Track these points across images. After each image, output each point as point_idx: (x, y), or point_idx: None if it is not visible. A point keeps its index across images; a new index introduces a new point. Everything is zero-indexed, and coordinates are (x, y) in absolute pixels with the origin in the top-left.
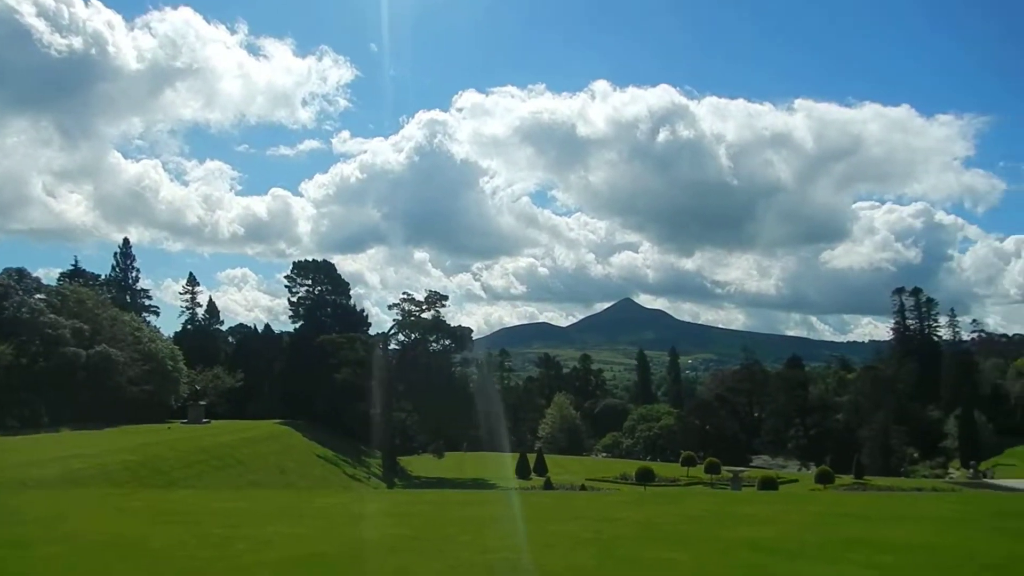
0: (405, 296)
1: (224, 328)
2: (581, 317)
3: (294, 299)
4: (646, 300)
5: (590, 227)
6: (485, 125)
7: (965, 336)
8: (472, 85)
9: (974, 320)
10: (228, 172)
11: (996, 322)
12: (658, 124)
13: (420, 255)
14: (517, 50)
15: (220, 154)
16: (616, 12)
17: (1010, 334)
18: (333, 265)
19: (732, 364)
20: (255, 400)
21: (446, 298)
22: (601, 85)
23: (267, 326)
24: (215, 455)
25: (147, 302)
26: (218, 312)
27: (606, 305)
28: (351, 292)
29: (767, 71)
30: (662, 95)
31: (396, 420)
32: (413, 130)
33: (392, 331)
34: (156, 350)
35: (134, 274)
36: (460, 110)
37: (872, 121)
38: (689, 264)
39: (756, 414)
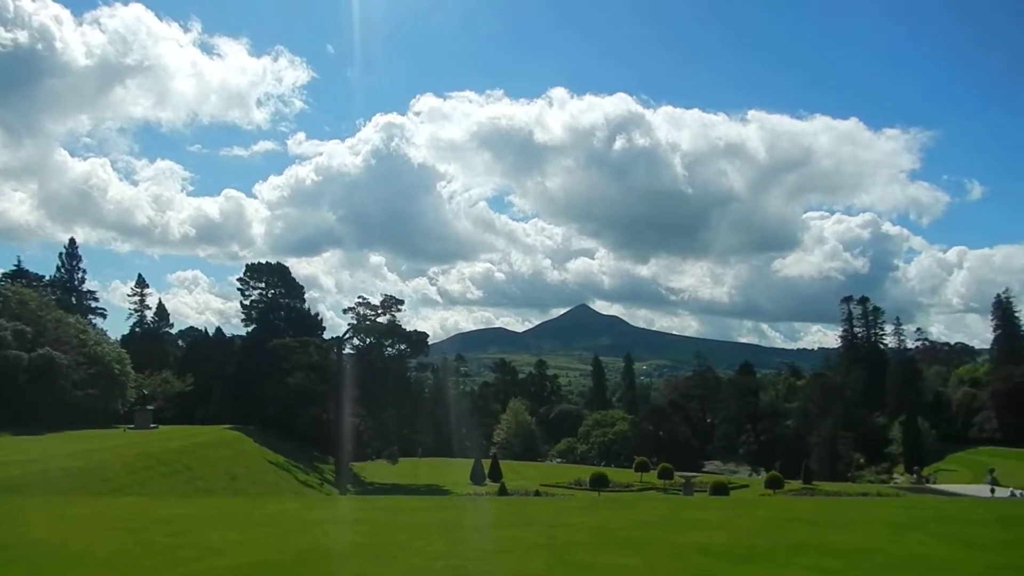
0: (360, 300)
1: (174, 331)
2: (537, 322)
3: (247, 302)
4: (602, 306)
5: (547, 233)
6: (443, 130)
7: (910, 344)
8: (430, 89)
9: (918, 329)
10: (179, 172)
11: (939, 331)
12: (614, 132)
13: (376, 259)
14: (475, 55)
15: (171, 154)
16: (574, 20)
17: (952, 342)
18: (287, 268)
19: (686, 370)
20: (205, 405)
21: (402, 302)
22: (559, 92)
23: (219, 329)
24: (163, 461)
25: (93, 304)
26: (168, 315)
27: (562, 311)
28: (305, 295)
29: (721, 82)
30: (619, 103)
31: (350, 425)
32: (370, 133)
33: (347, 335)
34: (102, 353)
35: (80, 275)
36: (418, 114)
37: (822, 133)
38: (644, 271)
39: (709, 420)
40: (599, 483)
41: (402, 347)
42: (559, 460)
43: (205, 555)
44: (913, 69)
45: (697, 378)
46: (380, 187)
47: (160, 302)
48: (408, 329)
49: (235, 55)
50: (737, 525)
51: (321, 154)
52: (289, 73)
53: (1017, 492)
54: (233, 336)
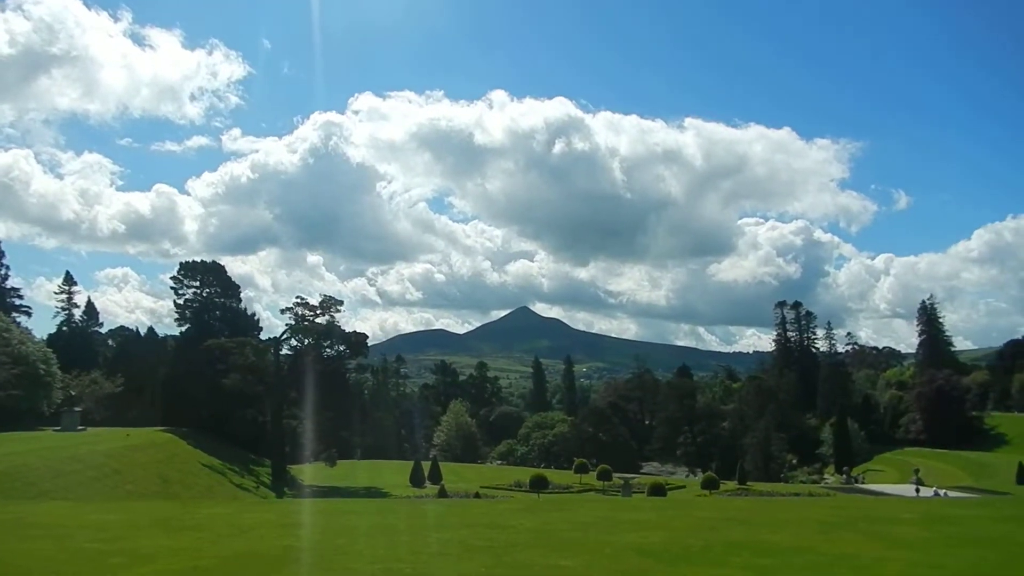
0: (298, 300)
1: (103, 331)
2: (478, 324)
3: (180, 301)
4: (542, 308)
5: (487, 235)
6: (382, 129)
7: (840, 348)
8: (369, 88)
9: (848, 333)
10: (108, 166)
11: (867, 335)
12: (554, 135)
13: (314, 259)
14: (415, 55)
15: (100, 147)
16: (515, 23)
17: (880, 347)
18: (222, 267)
19: (625, 373)
20: (136, 407)
21: (341, 303)
22: (499, 95)
23: (150, 329)
24: (90, 464)
25: (17, 301)
26: (97, 313)
27: (502, 313)
28: (241, 295)
29: (659, 89)
30: (558, 107)
31: (287, 428)
32: (308, 131)
33: (284, 336)
34: (27, 353)
35: (2, 271)
36: (357, 113)
37: (756, 142)
38: (583, 274)
39: (647, 422)
40: (539, 485)
41: (341, 348)
42: (499, 462)
43: (134, 562)
44: (844, 81)
45: (636, 380)
46: (318, 186)
47: (89, 300)
48: (347, 330)
49: (168, 47)
50: (673, 526)
51: (257, 151)
52: (224, 67)
53: (941, 492)
54: (166, 336)
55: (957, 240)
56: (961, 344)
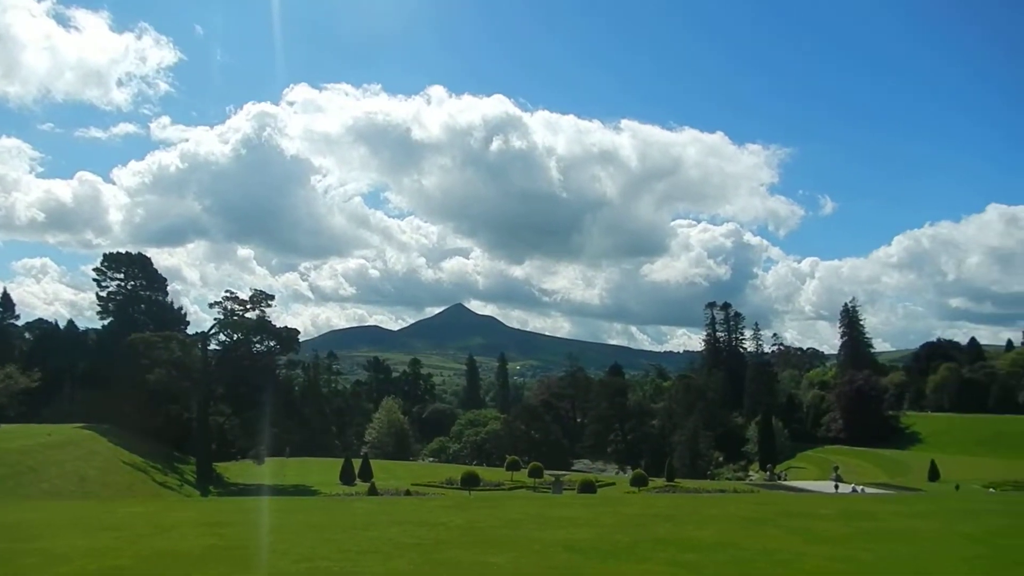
0: (228, 294)
1: (20, 323)
2: (412, 321)
3: (103, 294)
4: (477, 306)
5: (422, 231)
6: (317, 121)
7: (767, 349)
8: (304, 79)
9: (775, 334)
10: (27, 152)
11: (793, 336)
12: (492, 133)
13: (244, 252)
14: (352, 47)
15: (19, 131)
16: (454, 19)
17: (804, 347)
18: (148, 259)
19: (558, 371)
20: (54, 402)
21: (272, 298)
22: (437, 90)
23: (70, 322)
24: (4, 462)
25: None
26: (13, 305)
27: (437, 310)
28: (168, 288)
29: (597, 90)
30: (496, 105)
31: (213, 424)
32: (241, 121)
33: (213, 331)
34: None
35: None
36: (291, 104)
37: (690, 145)
38: (519, 272)
39: (579, 419)
40: (470, 482)
41: (271, 344)
42: (431, 459)
43: (49, 562)
44: (775, 88)
45: (569, 379)
46: (250, 178)
47: (4, 291)
48: (278, 325)
49: (94, 30)
50: (602, 522)
51: (187, 140)
52: (154, 53)
53: (858, 488)
54: (87, 329)
55: (878, 246)
56: (880, 346)
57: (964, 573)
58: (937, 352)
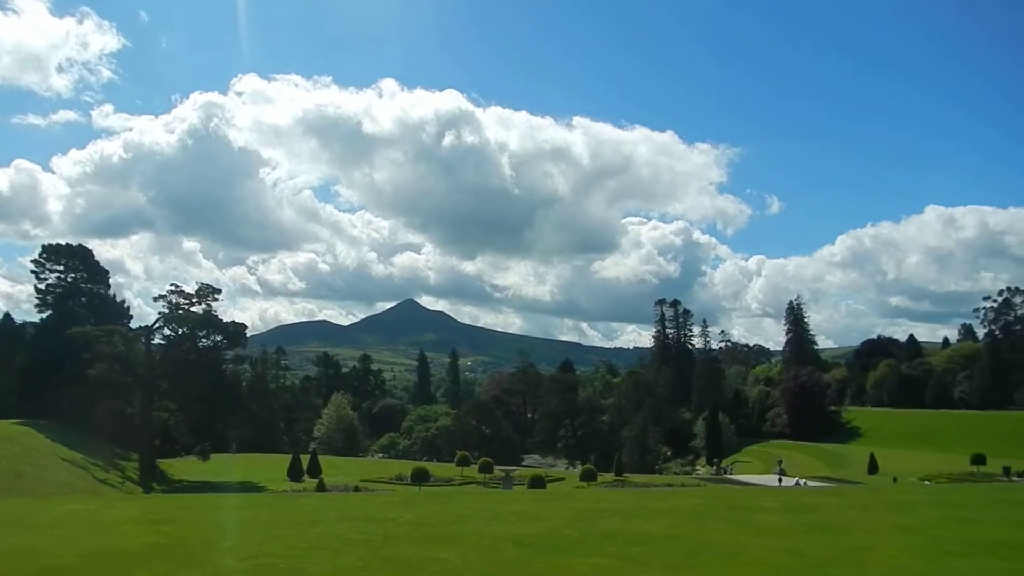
0: (173, 288)
1: None
2: (362, 316)
3: (42, 286)
4: (428, 301)
5: (373, 226)
6: (266, 113)
7: (714, 345)
8: (253, 69)
9: (722, 331)
10: None
11: (740, 333)
12: (444, 128)
13: (190, 245)
14: (304, 38)
15: None
16: (406, 13)
17: (751, 344)
18: (90, 251)
19: (509, 367)
20: None
21: (219, 291)
22: (389, 84)
23: (6, 315)
24: None
25: None
26: None
27: (388, 305)
28: (110, 281)
29: (549, 87)
30: (449, 100)
31: (157, 420)
32: (187, 111)
33: (157, 325)
34: None
35: None
36: (240, 94)
37: (641, 143)
38: (470, 267)
39: (530, 415)
40: (420, 478)
41: (218, 338)
42: (381, 455)
43: None
44: (724, 89)
45: (520, 374)
46: (197, 169)
47: None
48: (225, 320)
49: (33, 12)
50: (551, 517)
51: (131, 129)
52: (96, 38)
53: (801, 481)
54: (24, 323)
55: (823, 245)
56: (823, 343)
57: (900, 562)
58: (877, 349)
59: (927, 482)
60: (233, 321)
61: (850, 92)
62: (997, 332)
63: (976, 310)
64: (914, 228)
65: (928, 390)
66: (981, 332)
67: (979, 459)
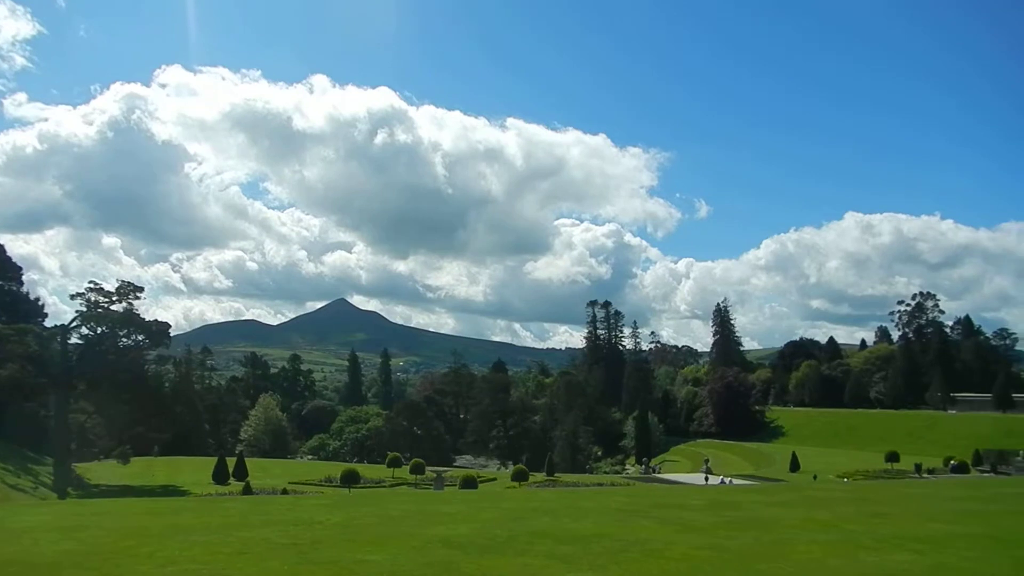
0: (92, 285)
1: None
2: (292, 316)
3: None
4: (360, 301)
5: (304, 224)
6: (192, 106)
7: (645, 346)
8: (178, 61)
9: (652, 332)
10: None
11: (669, 334)
12: (377, 126)
13: (110, 241)
14: (230, 30)
15: None
16: (336, 7)
17: (680, 345)
18: (1, 245)
19: (441, 367)
20: None
21: (140, 289)
22: (320, 80)
23: None
24: None
25: None
26: None
27: (318, 304)
28: (23, 278)
29: (483, 87)
30: (381, 97)
31: (74, 423)
32: (107, 102)
33: (74, 323)
34: None
35: None
36: (163, 86)
37: (574, 146)
38: (403, 267)
39: (462, 415)
40: (350, 480)
41: (139, 338)
42: (311, 457)
43: None
44: (654, 94)
45: (452, 375)
46: (117, 162)
47: None
48: (147, 318)
49: None
50: (481, 517)
51: (47, 120)
52: (9, 24)
53: (726, 479)
54: None
55: (748, 248)
56: (749, 344)
57: (816, 557)
58: (799, 350)
59: (845, 479)
60: (156, 320)
61: (775, 102)
62: (910, 335)
63: (891, 313)
64: (834, 234)
65: (846, 390)
66: (896, 335)
67: (893, 456)
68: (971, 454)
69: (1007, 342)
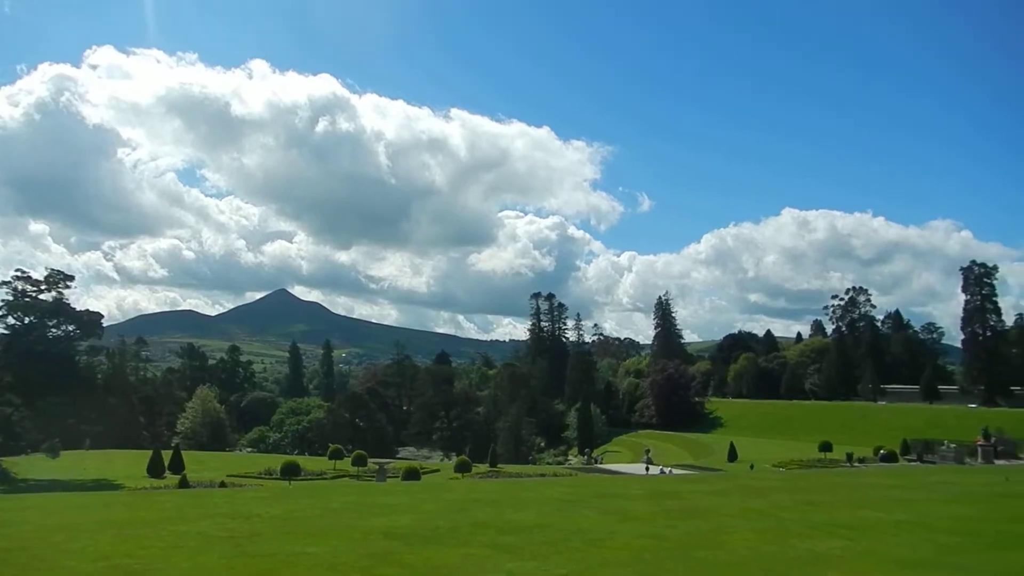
0: (18, 274)
1: None
2: (231, 306)
3: None
4: (301, 292)
5: (243, 212)
6: (125, 89)
7: (588, 338)
8: (110, 41)
9: (595, 324)
10: None
11: (612, 327)
12: (318, 113)
13: (38, 227)
14: (166, 11)
15: None
16: None
17: (622, 337)
18: None
19: (384, 359)
20: None
21: (71, 278)
22: (260, 65)
23: None
24: None
25: None
26: None
27: (259, 295)
28: None
29: (427, 77)
30: (323, 85)
31: (0, 416)
32: (34, 83)
33: (0, 313)
34: None
35: None
36: (94, 68)
37: (518, 138)
38: (344, 257)
39: (405, 407)
40: (290, 472)
41: (70, 328)
42: (250, 449)
43: None
44: (598, 88)
45: (395, 367)
46: (46, 146)
47: None
48: (78, 308)
49: None
50: (424, 508)
51: None
52: None
53: (666, 470)
54: None
55: (689, 242)
56: (689, 337)
57: (751, 544)
58: (738, 343)
59: (780, 469)
60: (87, 310)
61: (717, 98)
62: (843, 328)
63: (825, 308)
64: (772, 229)
65: (782, 382)
66: (830, 328)
67: (826, 446)
68: (899, 444)
69: (934, 336)
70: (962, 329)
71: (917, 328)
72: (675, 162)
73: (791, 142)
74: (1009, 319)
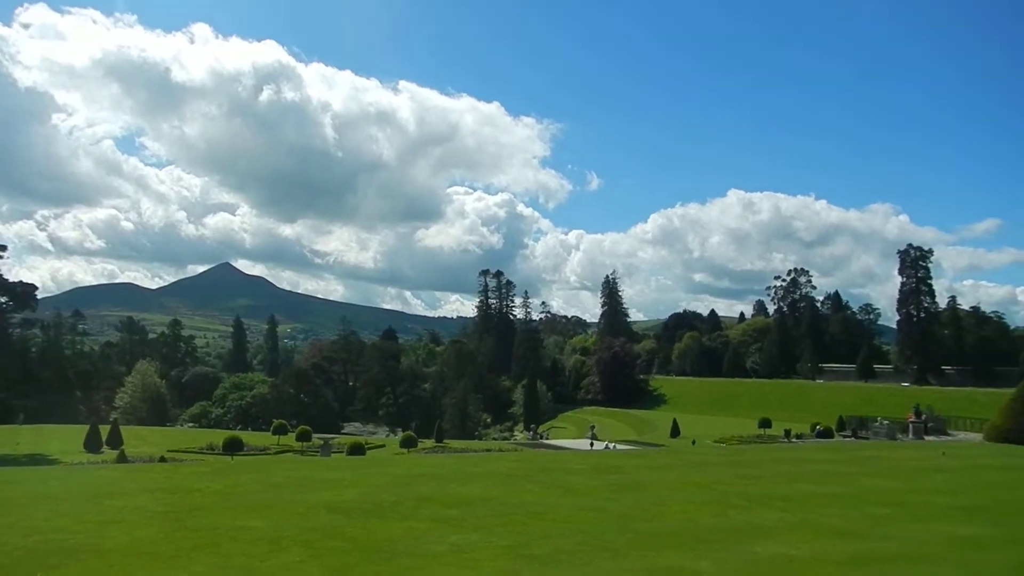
0: None
1: None
2: (172, 280)
3: None
4: (244, 265)
5: (184, 183)
6: (59, 50)
7: (535, 316)
8: None
9: (543, 302)
10: None
11: (559, 305)
12: (262, 82)
13: None
14: None
15: None
16: None
17: (569, 315)
18: None
19: (330, 334)
20: None
21: (3, 248)
22: (202, 29)
23: None
24: None
25: None
26: None
27: (201, 268)
28: None
29: (375, 47)
30: (268, 52)
31: None
32: None
33: None
34: None
35: None
36: (26, 27)
37: (468, 112)
38: (289, 231)
39: (351, 383)
40: (233, 447)
41: (2, 300)
42: (191, 425)
43: None
44: (549, 65)
45: (341, 342)
46: None
47: None
48: (10, 280)
49: None
50: (368, 483)
51: None
52: None
53: (611, 445)
54: None
55: (636, 222)
56: (635, 315)
57: (691, 516)
58: (683, 322)
59: (721, 444)
60: (20, 281)
61: (668, 76)
62: (785, 309)
63: (768, 288)
64: (718, 210)
65: (725, 360)
66: (772, 308)
67: (766, 423)
68: (835, 420)
69: (871, 316)
70: (898, 310)
71: (855, 309)
72: (624, 141)
73: (739, 124)
74: (943, 301)
